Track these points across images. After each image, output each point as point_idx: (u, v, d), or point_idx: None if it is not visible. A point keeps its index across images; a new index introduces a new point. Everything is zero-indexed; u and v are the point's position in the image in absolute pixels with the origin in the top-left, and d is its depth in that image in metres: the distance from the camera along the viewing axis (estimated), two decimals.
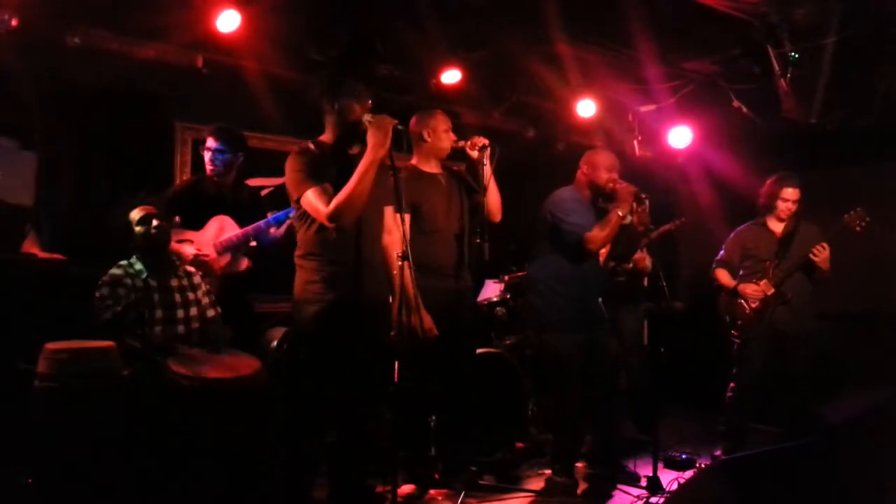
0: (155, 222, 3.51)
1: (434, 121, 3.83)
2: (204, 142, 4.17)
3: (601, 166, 3.98)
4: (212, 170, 4.12)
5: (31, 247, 3.69)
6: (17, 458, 3.02)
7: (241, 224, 4.06)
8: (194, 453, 3.09)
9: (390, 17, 4.55)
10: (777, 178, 4.55)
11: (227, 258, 4.04)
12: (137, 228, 3.50)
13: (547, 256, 3.98)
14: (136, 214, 3.52)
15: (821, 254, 4.29)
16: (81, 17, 4.07)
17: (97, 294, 3.39)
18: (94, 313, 3.36)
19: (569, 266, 3.91)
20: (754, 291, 4.43)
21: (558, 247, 3.92)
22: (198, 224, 4.01)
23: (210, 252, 3.98)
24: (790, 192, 4.47)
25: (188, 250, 3.89)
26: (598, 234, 3.83)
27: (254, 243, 4.09)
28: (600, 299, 3.99)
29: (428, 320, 3.51)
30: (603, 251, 4.11)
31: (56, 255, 3.63)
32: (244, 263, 4.12)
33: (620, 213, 3.85)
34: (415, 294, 3.35)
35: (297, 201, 3.12)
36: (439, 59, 5.02)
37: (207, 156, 4.12)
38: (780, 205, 4.49)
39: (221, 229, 4.05)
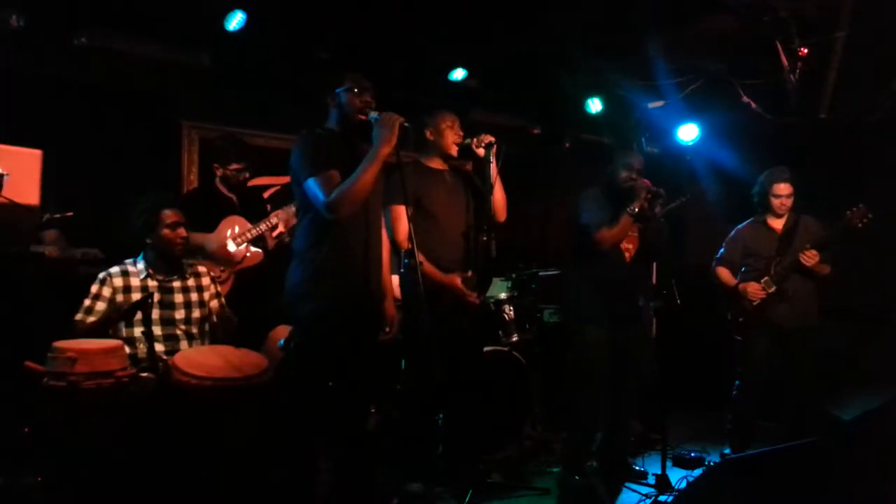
0: (182, 232, 3.53)
1: (437, 119, 3.83)
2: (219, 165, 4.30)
3: (621, 165, 4.05)
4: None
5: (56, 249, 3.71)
6: (25, 457, 3.03)
7: (251, 222, 4.15)
8: (200, 453, 3.10)
9: (398, 15, 4.55)
10: (768, 173, 4.52)
11: (242, 252, 4.12)
12: (165, 231, 3.51)
13: (576, 254, 4.13)
14: (166, 216, 3.51)
15: (811, 259, 4.26)
16: (88, 16, 4.09)
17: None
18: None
19: (592, 263, 4.01)
20: (755, 290, 4.40)
21: (580, 245, 4.04)
22: (210, 226, 4.09)
23: (233, 248, 4.11)
24: (782, 188, 4.44)
25: (211, 243, 4.04)
26: (605, 234, 3.90)
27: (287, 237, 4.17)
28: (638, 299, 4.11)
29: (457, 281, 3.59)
30: (624, 247, 4.08)
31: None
32: (258, 256, 4.17)
33: (634, 211, 3.85)
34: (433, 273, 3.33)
35: (302, 184, 3.10)
36: (447, 56, 5.01)
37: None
38: (774, 201, 4.46)
39: (235, 228, 4.14)
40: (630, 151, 4.19)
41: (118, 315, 3.38)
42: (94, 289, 3.47)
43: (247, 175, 4.29)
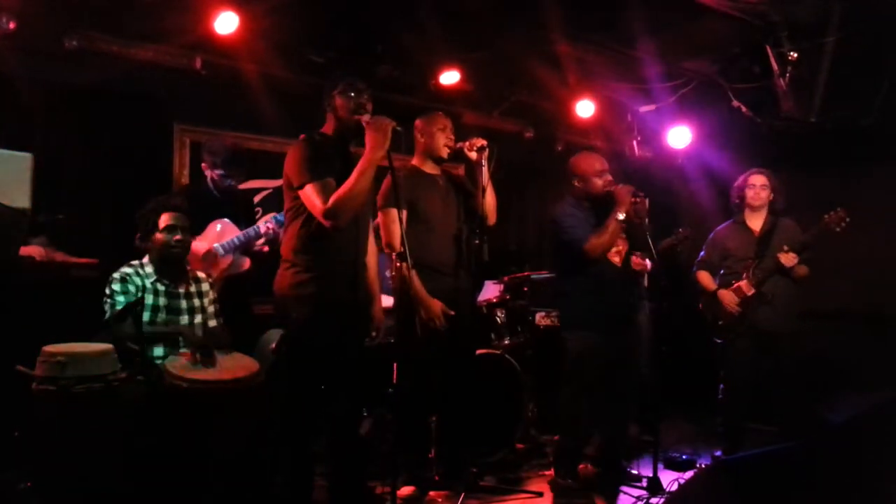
0: (177, 236, 3.45)
1: (428, 122, 3.83)
2: (207, 166, 4.28)
3: (592, 174, 3.98)
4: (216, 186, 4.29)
5: (52, 252, 3.69)
6: (15, 462, 3.01)
7: (240, 226, 4.10)
8: (193, 456, 3.08)
9: (390, 18, 4.55)
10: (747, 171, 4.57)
11: (229, 259, 4.07)
12: (159, 235, 3.46)
13: (566, 268, 4.07)
14: (164, 220, 3.46)
15: (790, 261, 4.27)
16: (79, 19, 4.07)
17: (107, 290, 3.36)
18: (104, 309, 3.35)
19: (579, 271, 3.95)
20: (732, 298, 4.42)
21: (566, 257, 3.98)
22: (198, 228, 4.03)
23: (221, 252, 4.07)
24: (755, 178, 4.48)
25: (199, 245, 3.97)
26: (595, 242, 3.85)
27: (266, 248, 4.14)
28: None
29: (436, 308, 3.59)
30: (614, 251, 4.10)
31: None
32: (246, 263, 4.14)
33: (620, 217, 3.84)
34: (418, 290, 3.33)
35: (297, 189, 3.08)
36: (438, 59, 5.02)
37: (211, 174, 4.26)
38: (749, 192, 4.49)
39: (223, 232, 4.12)
40: (593, 155, 4.10)
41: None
42: (116, 287, 3.35)
43: (232, 183, 4.26)
